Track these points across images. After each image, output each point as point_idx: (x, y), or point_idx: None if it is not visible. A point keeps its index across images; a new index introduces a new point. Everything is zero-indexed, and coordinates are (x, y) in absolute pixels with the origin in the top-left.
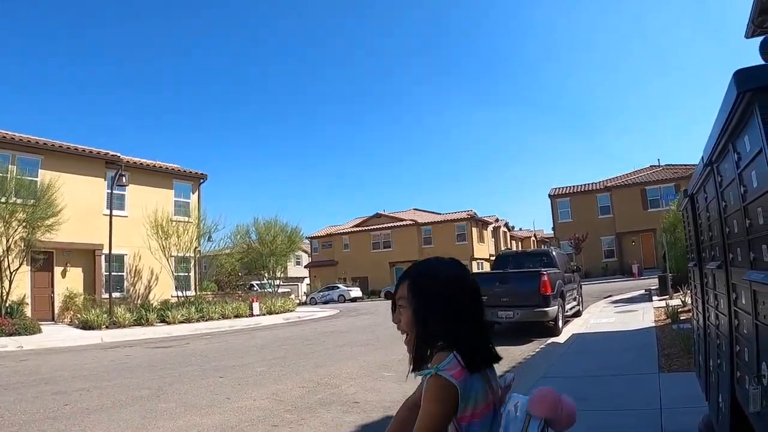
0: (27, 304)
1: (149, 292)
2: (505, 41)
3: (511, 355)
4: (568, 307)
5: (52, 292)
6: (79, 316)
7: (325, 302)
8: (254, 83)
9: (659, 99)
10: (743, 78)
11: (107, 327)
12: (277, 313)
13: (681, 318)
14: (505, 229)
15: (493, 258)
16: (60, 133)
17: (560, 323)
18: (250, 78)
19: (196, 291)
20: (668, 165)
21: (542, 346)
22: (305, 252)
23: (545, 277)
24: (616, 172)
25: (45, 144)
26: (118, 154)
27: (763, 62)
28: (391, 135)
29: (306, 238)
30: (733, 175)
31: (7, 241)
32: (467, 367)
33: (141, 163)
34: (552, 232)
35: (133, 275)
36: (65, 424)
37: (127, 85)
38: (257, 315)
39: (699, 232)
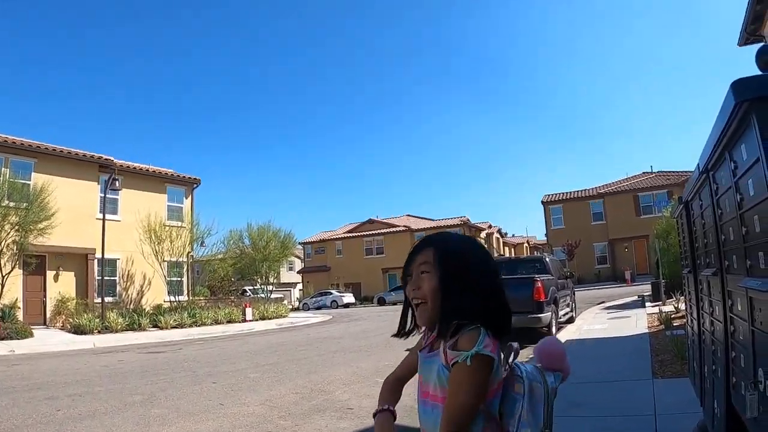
0: (19, 308)
1: (142, 297)
2: (495, 47)
3: None
4: (561, 313)
5: (44, 296)
6: (71, 320)
7: (318, 308)
8: (254, 83)
9: (652, 105)
10: (741, 88)
11: (99, 332)
12: (270, 319)
13: (674, 324)
14: (498, 236)
15: None
16: (53, 136)
17: (554, 329)
18: (250, 78)
19: (188, 296)
20: (661, 172)
21: None
22: (298, 257)
23: (539, 284)
24: (609, 179)
25: (38, 147)
26: (112, 158)
27: (759, 71)
28: (383, 139)
29: (299, 243)
30: (730, 183)
31: (0, 244)
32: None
33: (134, 168)
34: (545, 238)
35: (125, 280)
36: (57, 429)
37: (124, 86)
38: (250, 320)
39: (694, 239)
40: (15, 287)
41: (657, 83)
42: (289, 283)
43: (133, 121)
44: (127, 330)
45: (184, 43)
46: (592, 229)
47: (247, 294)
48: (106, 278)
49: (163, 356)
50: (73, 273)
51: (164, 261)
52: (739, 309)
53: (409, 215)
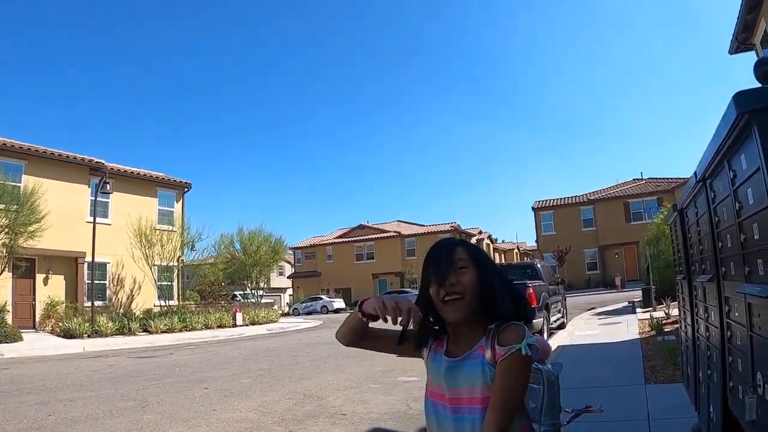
0: (8, 311)
1: (132, 301)
2: (487, 52)
3: None
4: (552, 319)
5: (34, 299)
6: (60, 324)
7: (308, 313)
8: (254, 83)
9: (643, 112)
10: (743, 100)
11: (89, 336)
12: (261, 324)
13: (665, 330)
14: (489, 242)
15: None
16: (44, 138)
17: (545, 335)
18: (250, 78)
19: (179, 300)
20: (651, 178)
21: None
22: (288, 262)
23: (531, 290)
24: (600, 186)
25: (29, 149)
26: (103, 161)
27: (757, 81)
28: (379, 142)
29: (289, 248)
30: (728, 192)
31: None
32: None
33: (125, 171)
34: (535, 244)
35: (115, 284)
36: None
37: (121, 87)
38: (240, 325)
39: (688, 246)
40: (4, 290)
41: (651, 89)
42: (279, 288)
43: (126, 123)
44: (117, 334)
45: (184, 43)
46: (582, 236)
47: (238, 299)
48: (96, 282)
49: (154, 361)
50: (62, 276)
51: (155, 265)
52: (737, 315)
53: (399, 221)
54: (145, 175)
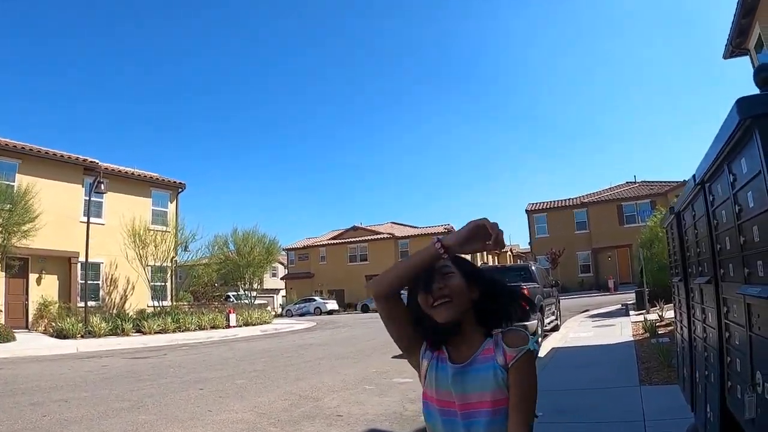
0: (1, 311)
1: (125, 302)
2: (480, 55)
3: None
4: (547, 321)
5: (27, 299)
6: (53, 324)
7: (301, 314)
8: (254, 83)
9: (636, 115)
10: (745, 106)
11: (82, 336)
12: (254, 325)
13: (659, 332)
14: None
15: None
16: (43, 138)
17: (539, 338)
18: (250, 78)
19: (172, 301)
20: (644, 181)
21: None
22: (281, 264)
23: (525, 292)
24: (593, 188)
25: (23, 148)
26: (97, 161)
27: (757, 87)
28: (376, 143)
29: (282, 249)
30: (728, 195)
31: None
32: None
33: (119, 171)
34: (528, 246)
35: (109, 284)
36: None
37: (119, 88)
38: (234, 326)
39: (685, 248)
40: None
41: (647, 92)
42: (272, 290)
43: (126, 123)
44: (110, 335)
45: (184, 43)
46: (575, 238)
47: (231, 300)
48: (89, 282)
49: (148, 362)
50: (56, 276)
51: (148, 265)
52: (735, 315)
53: (393, 222)
54: (139, 175)
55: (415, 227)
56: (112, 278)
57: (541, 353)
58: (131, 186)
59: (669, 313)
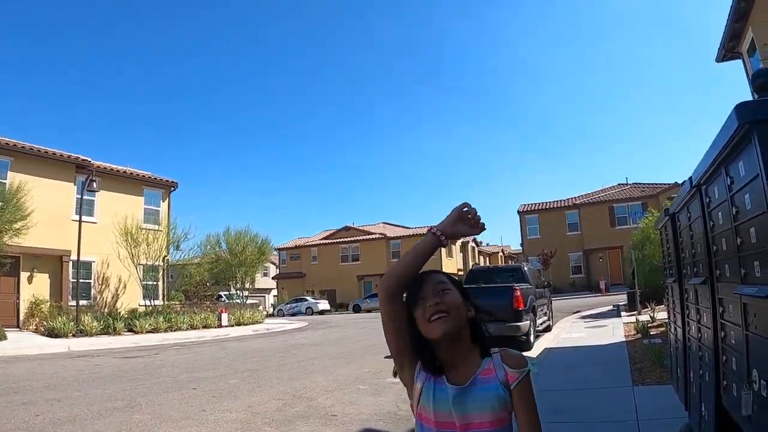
0: None
1: (116, 301)
2: (475, 56)
3: None
4: (539, 321)
5: (18, 298)
6: (45, 323)
7: (293, 314)
8: (254, 83)
9: (636, 115)
10: (744, 111)
11: (74, 335)
12: (246, 325)
13: (651, 333)
14: (474, 244)
15: (461, 273)
16: (43, 138)
17: (532, 338)
18: (250, 78)
19: (164, 300)
20: (636, 183)
21: None
22: (273, 263)
23: (518, 292)
24: (585, 190)
25: (15, 145)
26: (89, 159)
27: (755, 93)
28: (375, 143)
29: (274, 249)
30: (725, 197)
31: None
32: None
33: (111, 169)
34: (520, 247)
35: (100, 283)
36: None
37: (122, 87)
38: (226, 326)
39: (680, 249)
40: None
41: (645, 94)
42: (263, 289)
43: (126, 123)
44: (102, 334)
45: (184, 43)
46: (567, 239)
47: (222, 299)
48: (80, 281)
49: (140, 361)
50: (47, 275)
51: (140, 264)
52: (731, 315)
53: (385, 223)
54: (131, 173)
55: (407, 227)
56: (103, 277)
57: (534, 354)
58: (123, 184)
59: (661, 314)
